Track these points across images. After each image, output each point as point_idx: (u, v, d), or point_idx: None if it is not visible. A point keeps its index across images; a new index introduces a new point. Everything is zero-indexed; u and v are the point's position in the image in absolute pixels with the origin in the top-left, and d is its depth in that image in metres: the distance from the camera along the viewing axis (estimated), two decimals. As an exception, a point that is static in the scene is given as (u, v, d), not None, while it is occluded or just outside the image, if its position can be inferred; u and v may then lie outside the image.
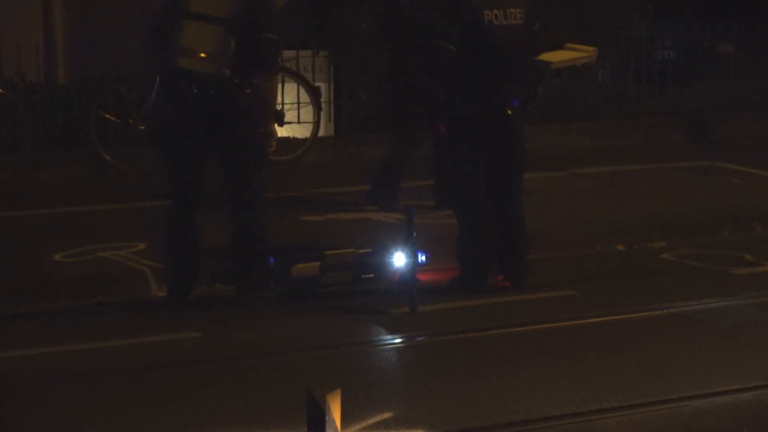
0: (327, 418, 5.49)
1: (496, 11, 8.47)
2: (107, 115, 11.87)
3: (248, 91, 8.29)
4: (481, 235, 8.71)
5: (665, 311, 8.09)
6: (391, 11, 10.37)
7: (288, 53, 13.24)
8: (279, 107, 12.68)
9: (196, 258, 8.37)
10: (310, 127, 12.80)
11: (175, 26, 7.98)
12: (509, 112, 8.69)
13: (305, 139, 12.70)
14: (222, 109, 8.11)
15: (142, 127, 11.76)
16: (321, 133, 13.05)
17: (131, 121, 11.80)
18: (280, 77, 12.83)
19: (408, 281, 8.20)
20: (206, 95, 8.07)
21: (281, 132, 12.54)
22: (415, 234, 8.18)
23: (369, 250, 8.61)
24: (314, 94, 12.80)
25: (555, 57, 9.06)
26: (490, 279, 8.69)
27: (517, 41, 8.60)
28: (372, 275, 8.49)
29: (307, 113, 12.84)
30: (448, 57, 8.46)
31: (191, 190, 8.32)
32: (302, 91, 12.89)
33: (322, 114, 13.07)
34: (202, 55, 8.01)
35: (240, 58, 8.13)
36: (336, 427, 5.50)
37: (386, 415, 6.15)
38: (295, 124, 12.84)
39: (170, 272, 8.40)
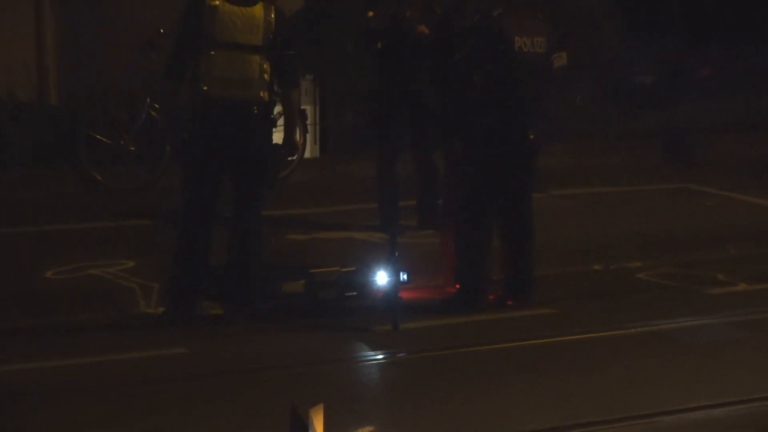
0: (311, 431, 5.65)
1: (525, 39, 8.54)
2: (96, 135, 11.81)
3: (284, 108, 8.53)
4: (483, 253, 8.70)
5: (642, 329, 8.10)
6: (402, 32, 10.13)
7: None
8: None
9: (204, 275, 8.36)
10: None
11: (204, 56, 7.99)
12: (531, 137, 8.72)
13: (291, 160, 12.48)
14: (256, 132, 8.19)
15: (132, 148, 11.74)
16: (306, 154, 13.03)
17: (121, 141, 11.76)
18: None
19: (390, 299, 8.18)
20: (237, 120, 8.10)
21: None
22: (397, 253, 8.20)
23: (353, 268, 8.62)
24: (301, 117, 12.77)
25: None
26: (490, 296, 8.69)
27: (540, 69, 8.67)
28: (356, 293, 8.51)
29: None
30: (480, 79, 8.47)
31: (207, 209, 8.31)
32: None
33: (308, 136, 13.05)
34: (239, 82, 8.05)
35: (274, 80, 8.22)
36: (319, 441, 5.71)
37: (368, 430, 6.15)
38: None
39: (176, 287, 8.33)
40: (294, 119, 8.73)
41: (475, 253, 8.66)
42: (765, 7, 21.90)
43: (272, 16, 8.09)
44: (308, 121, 13.13)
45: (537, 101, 8.83)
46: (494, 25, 8.52)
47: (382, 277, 8.29)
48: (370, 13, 10.22)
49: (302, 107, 12.90)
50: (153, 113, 11.78)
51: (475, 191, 8.64)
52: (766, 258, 10.21)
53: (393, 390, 7.19)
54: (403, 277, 8.25)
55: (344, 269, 8.64)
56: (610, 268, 9.87)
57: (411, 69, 9.92)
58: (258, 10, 8.06)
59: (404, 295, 8.27)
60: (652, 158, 14.14)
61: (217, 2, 7.96)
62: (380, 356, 7.70)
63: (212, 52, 7.95)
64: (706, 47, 15.69)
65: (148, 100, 11.33)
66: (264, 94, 8.15)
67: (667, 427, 6.29)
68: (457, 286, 8.70)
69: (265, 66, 8.08)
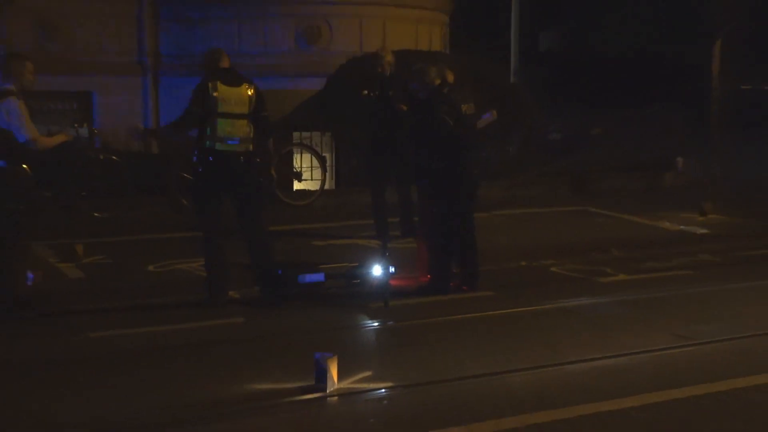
0: (328, 374, 5.78)
1: (466, 105, 8.56)
2: (184, 174, 11.64)
3: (261, 157, 8.25)
4: (448, 255, 8.61)
5: (554, 306, 8.10)
6: (385, 102, 10.10)
7: (306, 134, 13.29)
8: (297, 169, 12.67)
9: (226, 271, 8.22)
10: (318, 182, 12.74)
11: (210, 122, 7.87)
12: (476, 171, 8.76)
13: (315, 191, 12.62)
14: (245, 172, 8.05)
15: None
16: (326, 187, 12.94)
17: None
18: (299, 149, 12.88)
19: (383, 285, 8.18)
20: (234, 164, 7.97)
21: (299, 186, 12.59)
22: (387, 254, 8.21)
23: (356, 264, 8.65)
24: (322, 161, 12.75)
25: (479, 123, 9.09)
26: (451, 284, 8.61)
27: (472, 125, 8.69)
28: (358, 281, 8.48)
29: (317, 174, 12.76)
30: (446, 132, 8.38)
31: (215, 225, 8.16)
32: (314, 159, 12.78)
33: (327, 174, 12.97)
34: (236, 139, 7.94)
35: (256, 135, 8.09)
36: (334, 380, 5.82)
37: (367, 374, 6.14)
38: (308, 180, 12.78)
39: (211, 282, 8.19)
40: (270, 158, 8.39)
41: (443, 254, 8.60)
42: (639, 86, 22.15)
43: (253, 92, 8.02)
44: (327, 164, 13.07)
45: (474, 149, 8.80)
46: (446, 98, 8.50)
47: (377, 270, 8.28)
48: (365, 92, 10.12)
49: (323, 155, 12.96)
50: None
51: (442, 212, 8.54)
52: (638, 258, 10.07)
53: (384, 347, 7.22)
54: (392, 270, 8.26)
55: (350, 265, 8.74)
56: (532, 264, 9.82)
57: (394, 132, 9.83)
58: (244, 89, 7.98)
59: (392, 282, 8.27)
60: (560, 190, 14.03)
61: (218, 89, 7.86)
62: (375, 324, 7.68)
63: (215, 119, 7.86)
64: (597, 114, 15.84)
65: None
66: (250, 146, 8.05)
67: (570, 371, 6.30)
68: (429, 276, 8.68)
69: (250, 127, 8.00)
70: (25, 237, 7.93)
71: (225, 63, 8.12)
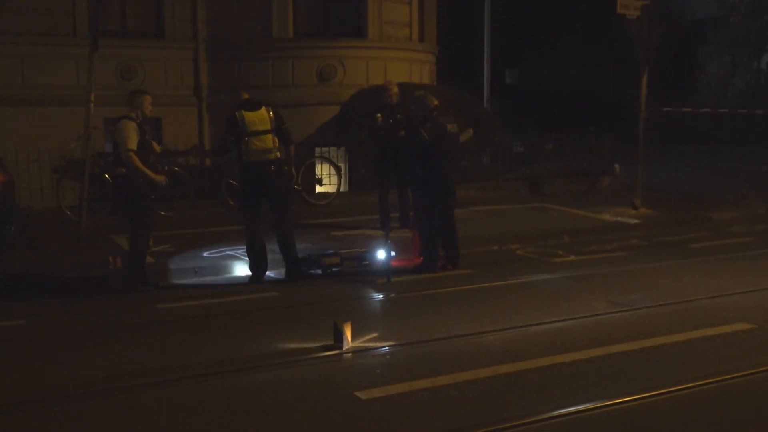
0: (344, 335, 5.74)
1: (450, 125, 8.50)
2: (231, 181, 11.56)
3: (287, 165, 8.25)
4: (435, 241, 8.56)
5: (517, 281, 8.06)
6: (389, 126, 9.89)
7: (325, 149, 13.28)
8: (319, 176, 12.62)
9: (264, 256, 8.18)
10: (335, 186, 12.66)
11: (243, 141, 7.90)
12: (457, 176, 8.80)
13: (333, 193, 12.54)
14: (275, 178, 8.05)
15: None
16: (342, 190, 12.87)
17: None
18: (320, 161, 12.78)
19: (386, 265, 8.19)
20: (266, 172, 7.99)
21: (320, 189, 12.49)
22: (389, 241, 8.21)
23: (365, 249, 8.63)
24: (338, 169, 12.67)
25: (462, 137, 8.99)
26: (438, 263, 8.57)
27: (456, 141, 8.65)
28: (367, 262, 8.47)
29: (334, 180, 12.66)
30: (427, 144, 8.30)
31: (255, 220, 8.12)
32: (332, 168, 12.70)
33: (342, 180, 12.90)
34: (263, 151, 7.94)
35: (280, 144, 8.09)
36: (348, 340, 5.77)
37: (374, 335, 6.11)
38: (327, 185, 12.68)
39: (252, 265, 8.18)
40: (292, 162, 8.41)
41: (431, 241, 8.59)
42: (578, 113, 22.35)
43: (271, 113, 8.04)
44: (342, 172, 12.97)
45: (455, 160, 8.83)
46: (433, 118, 8.42)
47: (381, 254, 8.31)
48: (379, 116, 9.99)
49: (339, 165, 12.82)
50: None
51: (427, 209, 8.58)
52: (584, 242, 10.04)
53: (388, 314, 7.21)
54: (393, 253, 8.28)
55: (361, 250, 8.68)
56: (501, 248, 9.79)
57: (396, 147, 9.67)
58: (263, 111, 8.01)
59: (393, 263, 8.26)
60: (522, 191, 13.93)
61: (243, 115, 7.89)
62: (380, 296, 7.65)
63: (246, 138, 7.90)
64: (548, 133, 15.83)
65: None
66: (276, 154, 8.05)
67: (532, 331, 6.26)
68: (421, 258, 8.64)
69: (274, 139, 8.00)
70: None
71: (244, 95, 8.17)
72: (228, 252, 9.13)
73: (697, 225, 11.30)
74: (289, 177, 8.47)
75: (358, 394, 4.91)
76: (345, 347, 5.79)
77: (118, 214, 9.13)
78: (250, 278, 8.22)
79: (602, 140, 15.17)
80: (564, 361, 5.49)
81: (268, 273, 8.32)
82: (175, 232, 10.11)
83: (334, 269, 8.42)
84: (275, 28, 14.31)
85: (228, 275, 8.55)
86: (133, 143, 7.72)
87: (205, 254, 9.05)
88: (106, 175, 10.94)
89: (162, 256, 8.83)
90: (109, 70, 13.16)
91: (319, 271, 8.38)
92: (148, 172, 7.81)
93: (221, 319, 6.86)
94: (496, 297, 7.45)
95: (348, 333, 5.84)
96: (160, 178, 7.95)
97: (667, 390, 4.88)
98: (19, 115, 12.72)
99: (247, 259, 8.26)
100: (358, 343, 5.91)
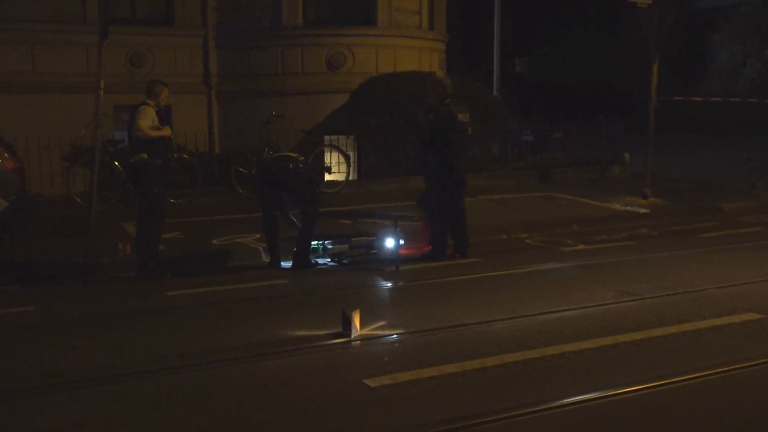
0: (352, 323, 5.74)
1: (461, 115, 8.50)
2: (240, 169, 11.75)
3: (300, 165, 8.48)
4: (445, 229, 8.61)
5: (526, 270, 8.06)
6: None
7: (334, 137, 13.26)
8: (328, 164, 12.64)
9: (278, 244, 8.33)
10: (344, 175, 12.69)
11: None
12: (466, 165, 8.80)
13: (342, 181, 12.57)
14: (292, 175, 8.27)
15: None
16: (351, 178, 12.90)
17: (252, 172, 11.66)
18: (329, 149, 12.79)
19: (395, 253, 8.26)
20: (281, 172, 8.29)
21: (329, 178, 12.52)
22: (398, 230, 8.31)
23: (374, 237, 8.64)
24: (347, 158, 12.69)
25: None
26: (447, 252, 8.61)
27: (467, 131, 8.62)
28: (375, 251, 8.52)
29: (343, 168, 12.68)
30: (436, 134, 8.32)
31: (272, 212, 8.34)
32: (341, 156, 12.73)
33: (351, 168, 12.93)
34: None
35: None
36: (357, 328, 5.77)
37: (382, 323, 6.13)
38: (336, 173, 12.69)
39: (269, 251, 8.37)
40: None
41: (440, 230, 8.62)
42: (587, 101, 22.24)
43: None
44: (351, 160, 13.00)
45: (465, 150, 8.85)
46: (446, 108, 8.46)
47: (390, 242, 8.38)
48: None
49: (347, 153, 12.85)
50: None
51: (437, 198, 8.59)
52: (593, 232, 10.05)
53: (396, 302, 7.22)
54: (401, 242, 8.33)
55: (370, 237, 8.68)
56: (510, 237, 9.82)
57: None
58: None
59: (402, 251, 8.33)
60: (531, 180, 13.92)
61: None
62: (389, 284, 7.68)
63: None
64: (557, 122, 15.78)
65: (266, 149, 11.14)
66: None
67: (540, 320, 6.24)
68: (430, 247, 8.67)
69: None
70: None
71: None
72: (236, 240, 9.20)
73: (707, 215, 11.32)
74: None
75: (366, 381, 4.92)
76: (353, 335, 5.79)
77: (130, 201, 9.18)
78: (268, 264, 8.43)
79: (612, 129, 15.11)
80: (572, 350, 5.48)
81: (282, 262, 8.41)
82: (183, 220, 10.15)
83: (343, 258, 8.45)
84: (285, 15, 14.28)
85: (237, 263, 8.57)
86: (145, 124, 7.87)
87: (214, 242, 9.10)
88: (116, 163, 10.97)
89: (171, 244, 8.88)
90: (119, 57, 13.18)
91: (328, 260, 8.42)
92: (156, 134, 7.90)
93: (230, 306, 6.89)
94: (505, 286, 7.44)
95: (357, 321, 5.84)
96: (166, 131, 8.04)
97: (675, 379, 4.88)
98: (29, 103, 12.77)
99: (261, 246, 8.48)
100: (366, 331, 5.91)
